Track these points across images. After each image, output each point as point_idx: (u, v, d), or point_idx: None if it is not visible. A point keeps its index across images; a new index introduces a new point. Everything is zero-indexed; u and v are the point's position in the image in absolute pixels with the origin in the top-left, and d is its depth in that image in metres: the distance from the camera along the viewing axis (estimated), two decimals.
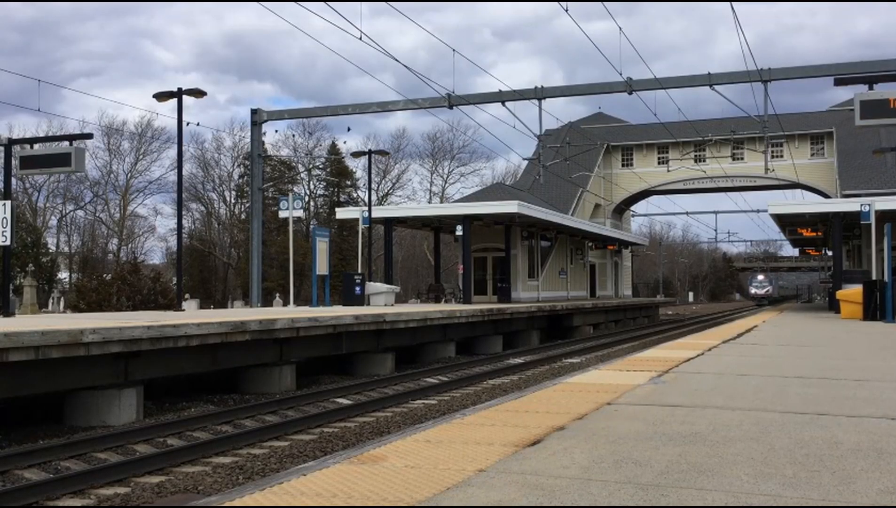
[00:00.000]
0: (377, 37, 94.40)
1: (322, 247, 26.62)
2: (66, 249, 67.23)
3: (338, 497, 3.61)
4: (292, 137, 72.32)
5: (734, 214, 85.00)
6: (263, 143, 37.54)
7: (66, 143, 20.65)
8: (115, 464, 8.82)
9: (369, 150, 34.50)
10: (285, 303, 44.14)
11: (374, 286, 28.60)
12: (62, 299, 53.71)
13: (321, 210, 73.02)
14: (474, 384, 16.77)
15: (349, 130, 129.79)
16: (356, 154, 43.41)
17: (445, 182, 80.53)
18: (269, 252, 55.83)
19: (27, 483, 7.99)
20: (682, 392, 7.30)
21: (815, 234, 43.58)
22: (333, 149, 74.55)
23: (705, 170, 51.49)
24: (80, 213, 68.21)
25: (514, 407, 6.52)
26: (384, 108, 34.40)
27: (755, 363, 10.25)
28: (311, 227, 58.93)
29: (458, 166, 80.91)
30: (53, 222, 66.02)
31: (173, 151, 60.84)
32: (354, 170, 74.09)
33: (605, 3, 28.06)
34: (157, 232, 79.43)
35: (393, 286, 30.51)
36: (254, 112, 33.64)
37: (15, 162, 22.11)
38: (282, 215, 29.36)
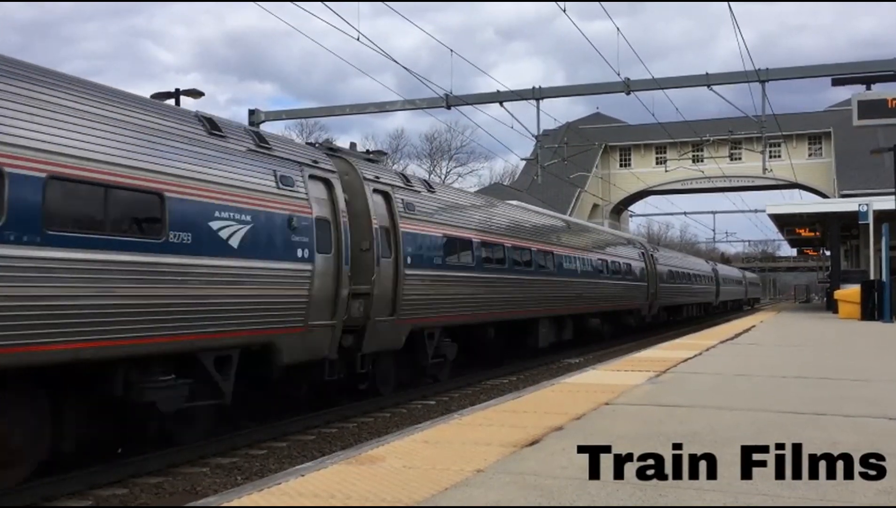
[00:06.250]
0: (379, 37, 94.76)
1: None
2: None
3: (336, 498, 3.61)
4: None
5: (732, 214, 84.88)
6: None
7: None
8: (113, 465, 8.79)
9: (367, 150, 34.43)
10: None
11: None
12: None
13: None
14: (472, 384, 16.76)
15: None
16: None
17: (443, 182, 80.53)
18: None
19: (25, 484, 7.97)
20: (680, 393, 7.30)
21: (813, 234, 43.61)
22: None
23: (703, 170, 51.49)
24: None
25: (513, 408, 6.53)
26: (382, 108, 34.30)
27: (753, 363, 10.26)
28: None
29: (455, 167, 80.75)
30: None
31: None
32: None
33: (603, 3, 28.06)
34: None
35: None
36: (251, 112, 33.55)
37: None
38: None
